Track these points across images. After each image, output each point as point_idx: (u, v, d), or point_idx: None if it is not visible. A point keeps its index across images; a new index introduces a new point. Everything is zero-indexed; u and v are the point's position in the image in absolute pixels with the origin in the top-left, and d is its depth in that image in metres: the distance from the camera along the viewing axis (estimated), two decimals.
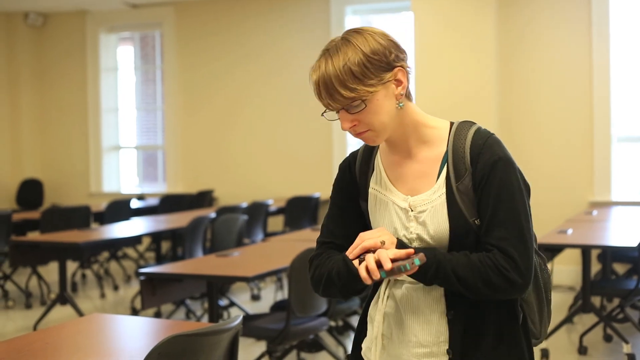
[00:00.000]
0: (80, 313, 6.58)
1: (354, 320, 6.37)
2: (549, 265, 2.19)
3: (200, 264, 5.18)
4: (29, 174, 11.62)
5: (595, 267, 7.16)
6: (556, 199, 8.23)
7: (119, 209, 8.81)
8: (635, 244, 5.26)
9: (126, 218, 8.55)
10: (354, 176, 2.19)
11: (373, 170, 2.17)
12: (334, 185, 2.24)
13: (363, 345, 2.23)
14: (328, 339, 5.75)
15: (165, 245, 9.23)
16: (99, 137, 11.35)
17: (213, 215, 7.15)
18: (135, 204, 9.63)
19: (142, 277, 4.76)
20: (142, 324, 3.51)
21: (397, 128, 2.05)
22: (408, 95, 2.06)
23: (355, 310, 5.74)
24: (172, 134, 10.88)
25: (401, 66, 2.00)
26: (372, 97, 1.97)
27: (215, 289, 4.79)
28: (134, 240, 8.13)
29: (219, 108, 10.56)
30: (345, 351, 5.72)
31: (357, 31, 2.01)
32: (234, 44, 10.41)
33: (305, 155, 10.03)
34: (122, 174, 11.65)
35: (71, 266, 8.77)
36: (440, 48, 8.19)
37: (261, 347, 5.53)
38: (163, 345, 2.20)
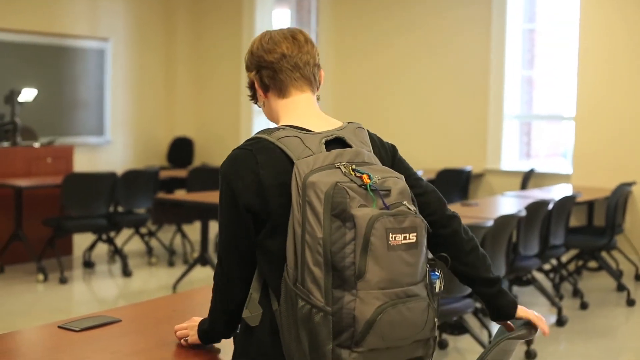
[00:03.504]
0: None
1: None
2: None
3: None
4: (181, 132, 11.74)
5: None
6: None
7: None
8: None
9: None
10: None
11: None
12: None
13: None
14: (472, 321, 5.43)
15: None
16: None
17: None
18: None
19: None
20: None
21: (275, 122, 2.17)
22: (280, 94, 2.11)
23: None
24: None
25: (253, 71, 2.13)
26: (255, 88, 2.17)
27: None
28: None
29: (373, 74, 10.30)
30: (490, 334, 5.39)
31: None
32: (394, 11, 10.07)
33: (458, 128, 9.63)
34: None
35: (215, 226, 8.76)
36: (606, 57, 7.83)
37: None
38: None
